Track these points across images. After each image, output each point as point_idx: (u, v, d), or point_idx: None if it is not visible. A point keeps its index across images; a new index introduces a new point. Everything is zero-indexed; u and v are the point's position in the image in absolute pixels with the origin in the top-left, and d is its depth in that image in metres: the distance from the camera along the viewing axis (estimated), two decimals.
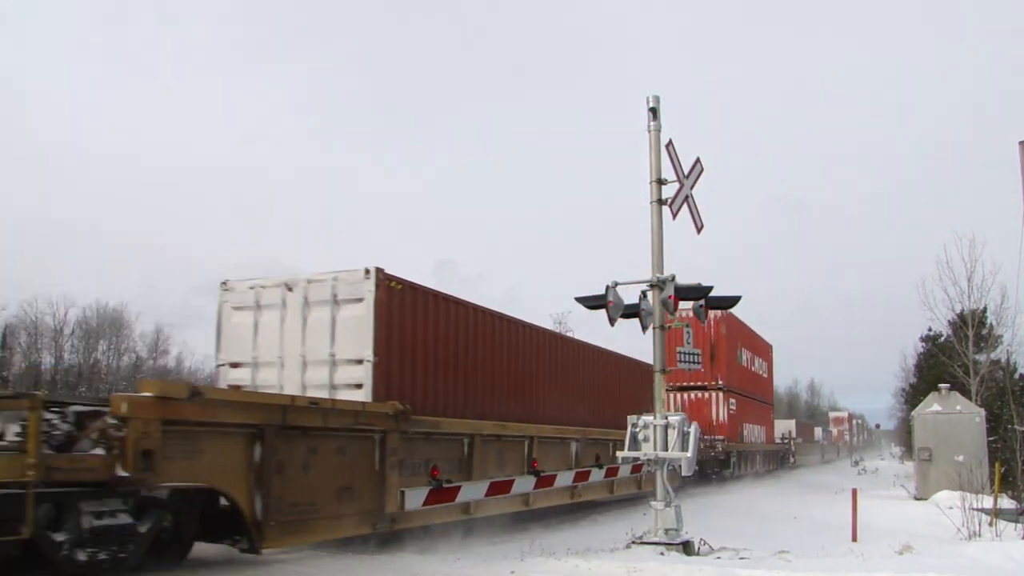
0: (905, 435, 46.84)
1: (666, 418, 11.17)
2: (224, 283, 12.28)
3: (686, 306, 12.30)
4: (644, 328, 11.55)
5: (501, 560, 9.83)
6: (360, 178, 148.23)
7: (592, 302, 11.55)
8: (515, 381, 14.76)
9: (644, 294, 11.54)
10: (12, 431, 7.10)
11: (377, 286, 11.10)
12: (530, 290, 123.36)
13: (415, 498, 10.80)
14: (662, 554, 10.26)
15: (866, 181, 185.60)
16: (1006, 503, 16.08)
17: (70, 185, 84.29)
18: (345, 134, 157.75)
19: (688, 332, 12.04)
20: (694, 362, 12.00)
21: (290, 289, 11.70)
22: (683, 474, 11.60)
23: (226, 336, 12.18)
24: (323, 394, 10.90)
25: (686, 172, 11.93)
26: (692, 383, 29.67)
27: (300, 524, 9.31)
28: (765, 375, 39.47)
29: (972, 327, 27.72)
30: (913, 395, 39.44)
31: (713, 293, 11.64)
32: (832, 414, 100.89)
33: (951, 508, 13.84)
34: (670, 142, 11.76)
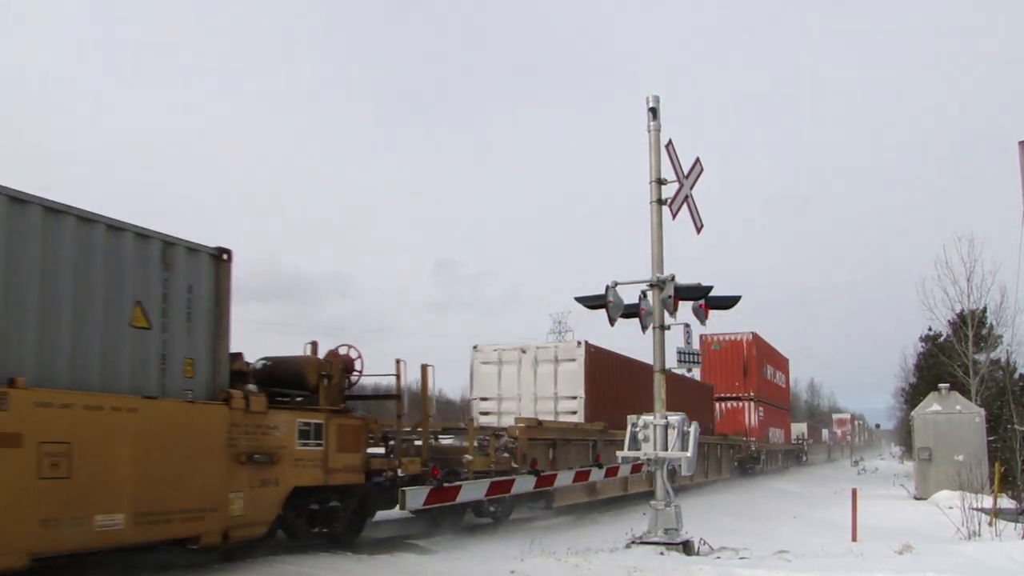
0: (905, 435, 46.87)
1: (666, 418, 11.17)
2: (475, 346, 19.78)
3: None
4: (644, 328, 11.54)
5: (501, 560, 9.82)
6: (360, 177, 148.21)
7: (592, 302, 11.54)
8: (646, 403, 19.78)
9: (644, 294, 11.53)
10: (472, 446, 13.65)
11: (585, 351, 18.71)
12: (530, 290, 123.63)
13: (415, 498, 10.79)
14: (662, 554, 10.25)
15: (865, 181, 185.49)
16: (1006, 503, 16.07)
17: (70, 183, 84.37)
18: (345, 133, 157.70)
19: (689, 332, 11.99)
20: (694, 362, 11.98)
21: (524, 352, 19.04)
22: (683, 473, 11.59)
23: (477, 380, 19.55)
24: (550, 419, 17.80)
25: (686, 172, 11.92)
26: (729, 394, 35.56)
27: (565, 493, 16.14)
28: (783, 386, 46.14)
29: (972, 327, 27.72)
30: (913, 395, 39.41)
31: (713, 293, 11.63)
32: (836, 416, 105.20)
33: (951, 508, 13.84)
34: (670, 142, 11.75)
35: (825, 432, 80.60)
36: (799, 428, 57.08)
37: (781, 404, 44.98)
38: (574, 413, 18.24)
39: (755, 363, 36.93)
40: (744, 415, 36.22)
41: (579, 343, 18.76)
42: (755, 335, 37.34)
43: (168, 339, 8.31)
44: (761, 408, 37.41)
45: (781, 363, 45.10)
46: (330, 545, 10.63)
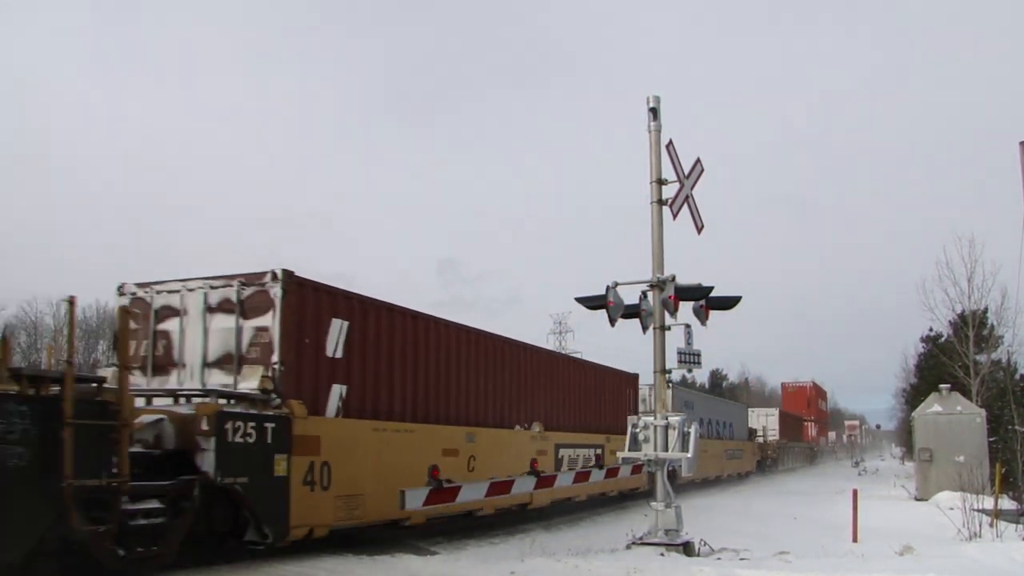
0: (906, 436, 46.86)
1: (666, 418, 11.14)
2: None
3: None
4: (644, 329, 11.51)
5: (501, 560, 9.81)
6: (362, 178, 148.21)
7: (592, 302, 11.51)
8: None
9: (644, 294, 11.50)
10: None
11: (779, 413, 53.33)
12: (532, 290, 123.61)
13: (415, 498, 10.78)
14: (662, 555, 10.23)
15: (866, 181, 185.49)
16: (1007, 504, 16.04)
17: (70, 184, 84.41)
18: (347, 134, 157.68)
19: (690, 332, 11.95)
20: (694, 363, 11.93)
21: None
22: (683, 474, 11.57)
23: None
24: None
25: (686, 172, 11.89)
26: (799, 414, 61.18)
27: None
28: (825, 410, 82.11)
29: (972, 327, 27.67)
30: (914, 396, 39.41)
31: (713, 293, 11.61)
32: (847, 422, 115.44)
33: (952, 509, 13.80)
34: (670, 142, 11.72)
35: (844, 436, 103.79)
36: (831, 435, 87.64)
37: (824, 421, 79.35)
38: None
39: (813, 399, 72.17)
40: (808, 430, 65.16)
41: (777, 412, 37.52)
42: (814, 382, 75.86)
43: None
44: (816, 425, 69.35)
45: (824, 395, 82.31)
46: (332, 545, 10.63)
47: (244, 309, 10.32)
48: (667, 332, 11.50)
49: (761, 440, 42.03)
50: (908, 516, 17.90)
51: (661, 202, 11.59)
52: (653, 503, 11.11)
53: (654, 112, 11.71)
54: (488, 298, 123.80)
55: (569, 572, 9.15)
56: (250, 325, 10.26)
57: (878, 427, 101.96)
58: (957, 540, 12.48)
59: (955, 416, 23.14)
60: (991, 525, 13.44)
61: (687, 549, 10.61)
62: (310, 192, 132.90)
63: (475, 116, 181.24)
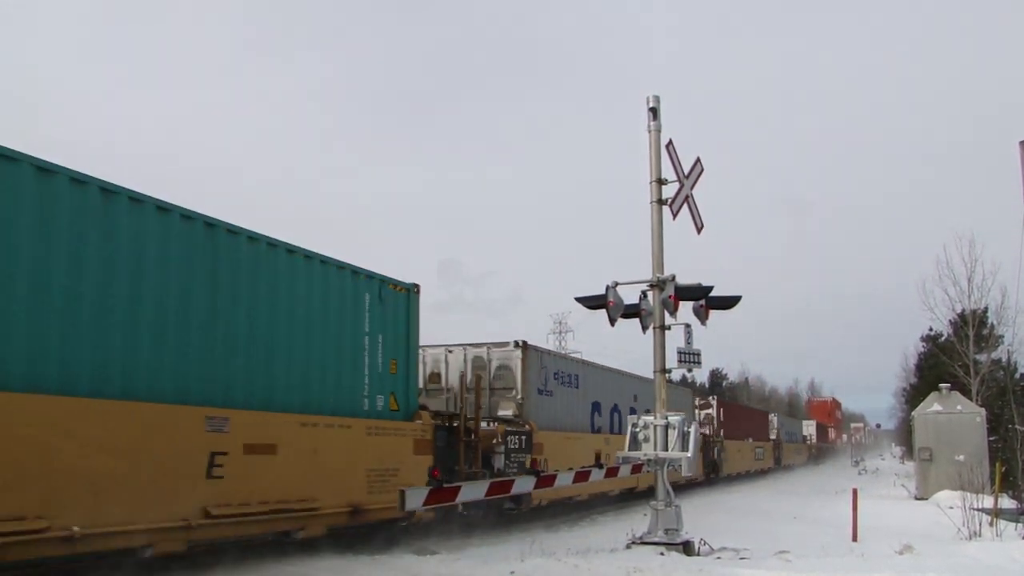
0: (906, 435, 46.94)
1: (666, 418, 11.16)
2: None
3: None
4: (644, 328, 11.53)
5: (501, 560, 9.81)
6: (362, 177, 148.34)
7: (592, 302, 11.52)
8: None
9: (644, 294, 11.51)
10: None
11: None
12: (532, 290, 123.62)
13: (415, 498, 10.78)
14: (662, 554, 10.24)
15: (866, 181, 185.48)
16: (1007, 503, 16.07)
17: None
18: (347, 133, 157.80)
19: (690, 331, 11.96)
20: (694, 362, 11.94)
21: None
22: (684, 474, 11.57)
23: None
24: None
25: (686, 172, 11.89)
26: (824, 423, 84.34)
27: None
28: (840, 417, 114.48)
29: (972, 327, 27.71)
30: (914, 395, 39.52)
31: (713, 293, 11.62)
32: (852, 425, 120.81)
33: (951, 508, 13.83)
34: (670, 142, 11.73)
35: (852, 438, 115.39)
36: (844, 437, 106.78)
37: (839, 426, 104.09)
38: None
39: (832, 410, 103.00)
40: (831, 433, 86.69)
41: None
42: (834, 398, 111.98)
43: None
44: (834, 429, 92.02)
45: (839, 405, 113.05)
46: (332, 545, 10.65)
47: None
48: (667, 332, 11.51)
49: (808, 443, 62.39)
50: (908, 515, 17.91)
51: (661, 202, 11.59)
52: (653, 502, 11.12)
53: (654, 112, 11.72)
54: (489, 298, 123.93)
55: (569, 572, 9.15)
56: None
57: (878, 426, 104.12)
58: (957, 539, 12.49)
59: (955, 415, 23.16)
60: (991, 524, 13.46)
61: (687, 548, 10.61)
62: (309, 191, 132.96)
63: (475, 115, 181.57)
